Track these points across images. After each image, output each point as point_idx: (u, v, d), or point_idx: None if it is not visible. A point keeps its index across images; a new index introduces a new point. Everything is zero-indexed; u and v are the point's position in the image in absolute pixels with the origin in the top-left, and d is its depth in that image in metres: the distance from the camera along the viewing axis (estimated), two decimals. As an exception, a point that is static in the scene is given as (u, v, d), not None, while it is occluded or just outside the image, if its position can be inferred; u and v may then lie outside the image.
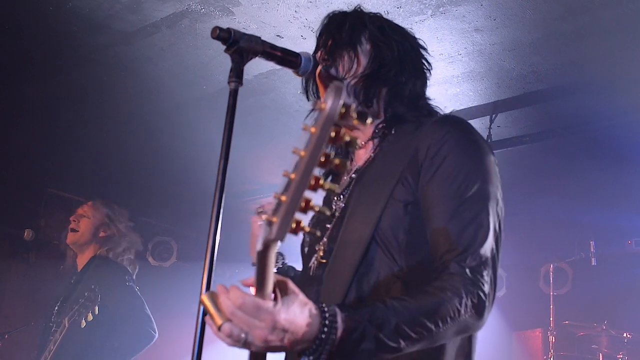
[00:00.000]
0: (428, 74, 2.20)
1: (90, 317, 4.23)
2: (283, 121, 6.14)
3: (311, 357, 1.45)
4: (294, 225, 1.24)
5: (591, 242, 6.94)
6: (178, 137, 6.64)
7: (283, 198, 1.24)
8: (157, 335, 4.58)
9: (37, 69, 5.66)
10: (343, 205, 1.95)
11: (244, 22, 4.73)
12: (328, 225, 1.96)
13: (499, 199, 1.83)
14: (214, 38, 1.75)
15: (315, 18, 4.56)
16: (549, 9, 4.33)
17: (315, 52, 2.12)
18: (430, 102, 2.17)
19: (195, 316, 1.61)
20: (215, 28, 1.75)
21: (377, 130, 2.05)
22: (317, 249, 1.95)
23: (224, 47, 1.79)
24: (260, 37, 1.82)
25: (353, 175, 2.02)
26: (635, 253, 7.40)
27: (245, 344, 1.39)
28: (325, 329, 1.43)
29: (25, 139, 6.84)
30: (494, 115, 5.72)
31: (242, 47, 1.77)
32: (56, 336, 4.26)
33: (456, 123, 1.94)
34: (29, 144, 6.94)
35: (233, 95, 1.74)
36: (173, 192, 8.05)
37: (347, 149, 1.31)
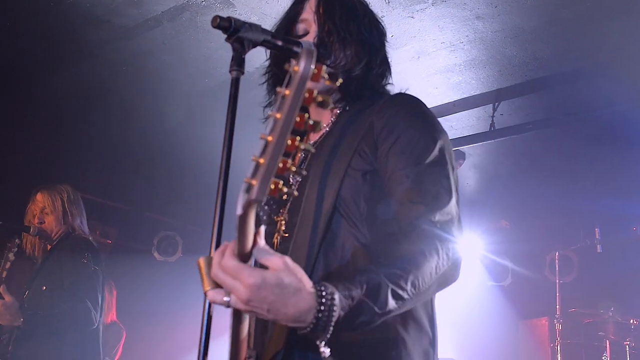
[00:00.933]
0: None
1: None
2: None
3: (308, 336, 1.45)
4: (272, 187, 1.27)
5: (596, 229, 6.92)
6: (181, 131, 6.64)
7: (261, 160, 1.26)
8: (95, 324, 4.51)
9: (38, 65, 5.67)
10: (300, 179, 1.96)
11: (245, 13, 4.73)
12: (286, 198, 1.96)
13: (454, 166, 1.93)
14: (214, 27, 1.74)
15: (316, 9, 4.55)
16: (550, -5, 4.32)
17: (293, 15, 2.12)
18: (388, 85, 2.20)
19: (202, 310, 1.60)
20: (216, 17, 1.74)
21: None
22: (277, 223, 1.97)
23: (225, 36, 1.78)
24: (260, 26, 1.82)
25: None
26: (641, 240, 7.39)
27: (231, 306, 1.43)
28: (323, 308, 1.42)
29: (27, 135, 6.84)
30: (496, 104, 5.72)
31: (242, 35, 1.76)
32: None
33: (409, 98, 2.01)
34: (31, 140, 6.95)
35: (235, 85, 1.73)
36: (177, 186, 8.06)
37: (321, 109, 1.33)
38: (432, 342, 1.87)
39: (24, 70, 5.76)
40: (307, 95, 1.26)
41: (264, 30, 1.83)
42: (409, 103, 1.99)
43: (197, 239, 8.97)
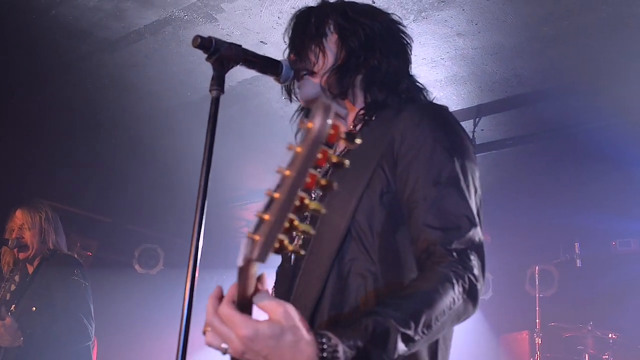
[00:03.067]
0: (408, 48, 2.10)
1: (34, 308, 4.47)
2: (268, 127, 6.14)
3: None
4: (277, 245, 1.19)
5: (576, 244, 6.98)
6: (163, 144, 6.62)
7: (266, 217, 1.18)
8: (92, 339, 4.55)
9: (20, 77, 5.64)
10: (320, 194, 1.84)
11: (228, 28, 4.74)
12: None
13: (477, 188, 1.80)
14: (195, 47, 1.75)
15: (299, 24, 4.58)
16: (530, 12, 4.36)
17: (289, 54, 2.11)
18: (416, 80, 2.08)
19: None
20: (197, 37, 1.75)
21: (358, 118, 1.98)
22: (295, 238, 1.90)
23: (206, 55, 1.80)
24: (241, 46, 1.83)
25: None
26: (620, 254, 7.46)
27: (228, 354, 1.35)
28: None
29: (8, 148, 6.80)
30: (477, 119, 5.75)
31: (223, 55, 1.78)
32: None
33: (430, 109, 1.88)
34: (12, 153, 6.91)
35: (215, 104, 1.74)
36: (159, 199, 8.03)
37: (334, 170, 1.24)
38: None
39: (4, 82, 5.72)
40: (320, 155, 1.16)
41: (245, 50, 1.85)
42: (430, 114, 1.84)
43: (178, 252, 8.95)
